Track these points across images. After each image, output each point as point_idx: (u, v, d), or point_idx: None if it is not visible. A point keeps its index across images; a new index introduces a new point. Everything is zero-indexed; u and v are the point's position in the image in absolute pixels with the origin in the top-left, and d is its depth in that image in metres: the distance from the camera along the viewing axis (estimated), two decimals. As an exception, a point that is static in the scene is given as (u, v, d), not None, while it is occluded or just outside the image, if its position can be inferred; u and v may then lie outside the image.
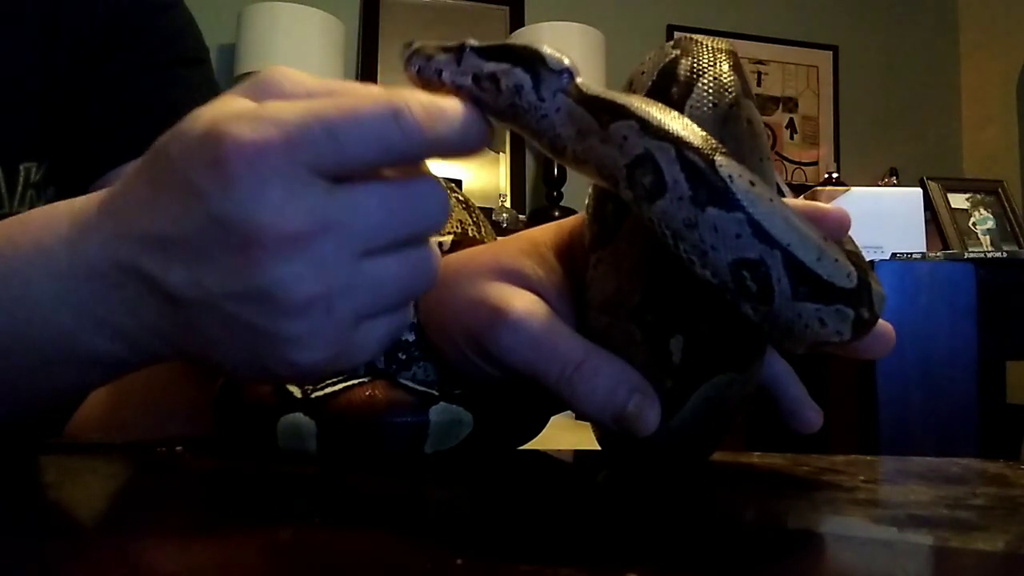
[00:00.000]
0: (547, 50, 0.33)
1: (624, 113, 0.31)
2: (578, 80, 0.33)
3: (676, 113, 0.31)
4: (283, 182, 0.30)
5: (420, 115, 0.31)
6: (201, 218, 0.31)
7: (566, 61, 0.33)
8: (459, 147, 0.32)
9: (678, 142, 0.30)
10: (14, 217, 0.38)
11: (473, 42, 0.34)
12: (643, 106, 0.31)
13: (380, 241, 0.32)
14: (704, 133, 0.30)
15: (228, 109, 0.31)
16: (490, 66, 0.33)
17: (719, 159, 0.30)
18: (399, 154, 0.31)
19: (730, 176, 0.29)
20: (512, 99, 0.33)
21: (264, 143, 0.30)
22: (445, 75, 0.33)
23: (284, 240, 0.30)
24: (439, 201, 0.33)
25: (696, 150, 0.30)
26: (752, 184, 0.29)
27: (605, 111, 0.32)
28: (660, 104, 0.32)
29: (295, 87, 0.33)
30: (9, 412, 0.39)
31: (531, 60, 0.33)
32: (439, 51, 0.34)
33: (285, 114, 0.30)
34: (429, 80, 0.34)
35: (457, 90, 0.33)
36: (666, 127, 0.30)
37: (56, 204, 0.38)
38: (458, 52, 0.34)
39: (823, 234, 0.31)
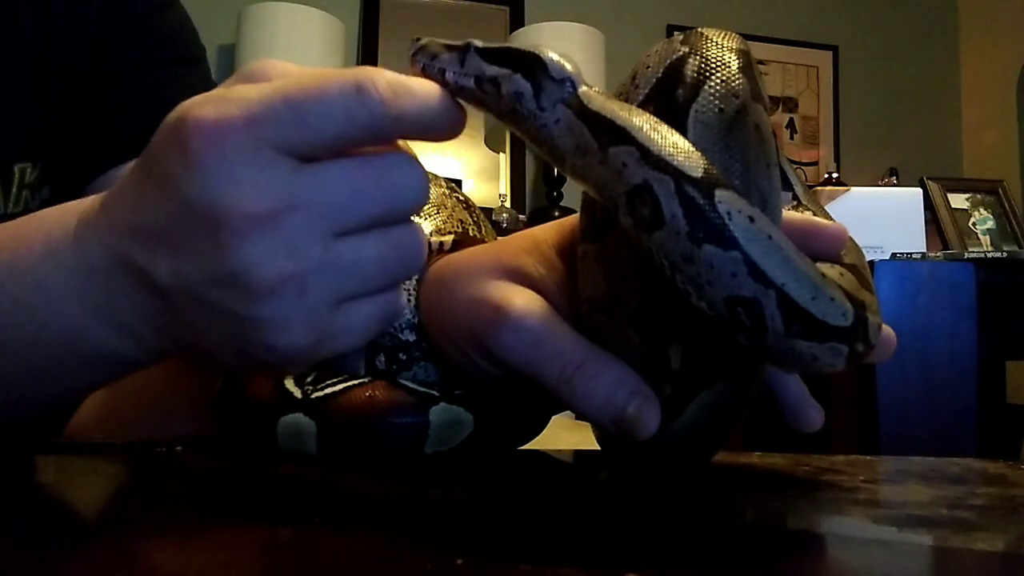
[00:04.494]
0: (550, 56, 0.32)
1: (624, 137, 0.30)
2: (581, 89, 0.32)
3: (678, 136, 0.30)
4: (246, 161, 0.29)
5: (385, 91, 0.30)
6: (174, 205, 0.31)
7: (569, 68, 0.32)
8: (428, 127, 0.32)
9: (677, 175, 0.29)
10: (27, 216, 0.39)
11: (478, 43, 0.33)
12: (644, 128, 0.30)
13: (352, 218, 0.31)
14: (706, 162, 0.30)
15: (200, 97, 0.31)
16: (492, 69, 0.33)
17: (719, 193, 0.29)
18: (364, 130, 0.31)
19: (728, 213, 0.29)
20: (512, 105, 0.32)
21: (225, 122, 0.29)
22: (448, 75, 0.33)
23: (249, 220, 0.30)
24: (413, 175, 0.32)
25: (696, 183, 0.29)
26: (751, 220, 0.29)
27: (605, 131, 0.31)
28: (661, 124, 0.31)
29: (281, 76, 0.32)
30: (14, 412, 0.39)
31: (533, 67, 0.32)
32: (444, 49, 0.34)
33: (249, 94, 0.30)
34: (432, 78, 0.34)
35: (459, 91, 0.33)
36: (666, 157, 0.29)
37: (67, 203, 0.38)
38: (462, 52, 0.33)
39: (821, 272, 0.30)
